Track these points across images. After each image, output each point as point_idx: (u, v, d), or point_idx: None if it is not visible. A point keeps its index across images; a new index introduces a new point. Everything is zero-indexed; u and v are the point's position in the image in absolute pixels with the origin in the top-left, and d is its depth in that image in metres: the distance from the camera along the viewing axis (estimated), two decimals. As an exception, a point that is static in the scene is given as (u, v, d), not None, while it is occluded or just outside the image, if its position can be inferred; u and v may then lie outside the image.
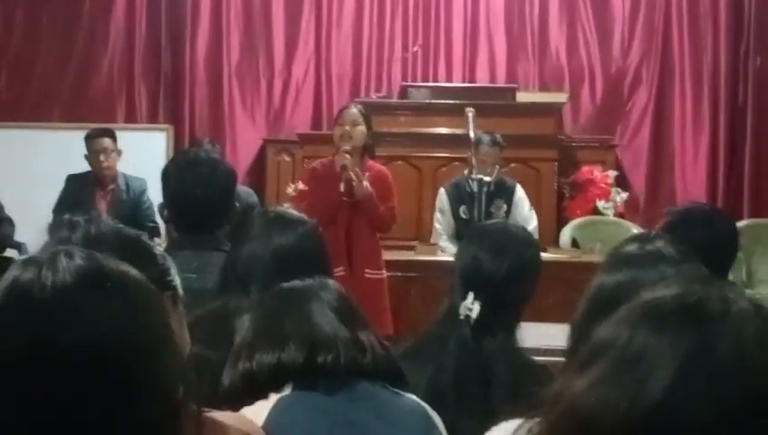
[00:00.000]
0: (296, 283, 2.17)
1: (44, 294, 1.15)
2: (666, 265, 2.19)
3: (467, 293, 2.63)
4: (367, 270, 5.38)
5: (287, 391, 2.01)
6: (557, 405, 1.15)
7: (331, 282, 2.19)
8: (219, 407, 1.87)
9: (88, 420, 1.11)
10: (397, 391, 2.08)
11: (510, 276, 2.68)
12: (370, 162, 5.52)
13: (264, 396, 1.99)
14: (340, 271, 5.12)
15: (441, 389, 2.49)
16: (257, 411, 1.99)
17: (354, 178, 5.26)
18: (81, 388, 1.11)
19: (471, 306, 2.60)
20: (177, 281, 1.89)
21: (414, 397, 2.11)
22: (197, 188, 3.23)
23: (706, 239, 3.20)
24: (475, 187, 6.45)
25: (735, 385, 1.05)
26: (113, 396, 1.12)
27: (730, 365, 1.06)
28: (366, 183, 5.30)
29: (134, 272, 1.24)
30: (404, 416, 2.04)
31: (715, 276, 3.14)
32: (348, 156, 5.30)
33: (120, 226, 1.94)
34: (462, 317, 2.61)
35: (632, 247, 2.33)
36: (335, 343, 2.01)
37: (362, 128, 5.40)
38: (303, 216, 2.78)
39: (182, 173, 3.31)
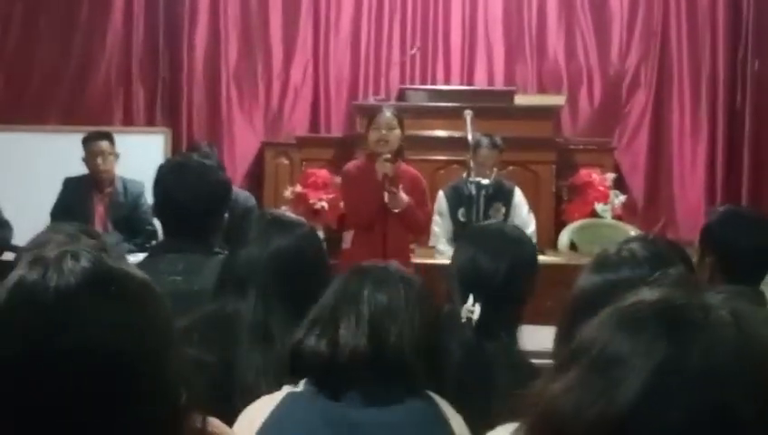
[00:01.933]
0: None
1: (48, 295, 1.15)
2: (641, 268, 2.18)
3: (467, 295, 2.62)
4: None
5: (300, 386, 2.05)
6: (535, 408, 1.15)
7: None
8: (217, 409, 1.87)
9: (90, 421, 1.11)
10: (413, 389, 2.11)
11: (509, 277, 2.68)
12: (403, 166, 5.54)
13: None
14: None
15: (443, 391, 2.48)
16: (263, 406, 2.00)
17: (393, 190, 5.27)
18: (82, 389, 1.10)
19: (472, 308, 2.59)
20: None
21: (432, 396, 2.13)
22: (180, 193, 3.23)
23: (746, 244, 3.20)
24: (473, 190, 6.44)
25: (705, 395, 1.05)
26: (115, 398, 1.11)
27: (701, 374, 1.06)
28: (403, 194, 5.31)
29: (140, 274, 1.23)
30: (409, 422, 2.05)
31: (746, 281, 3.16)
32: (388, 163, 5.29)
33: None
34: (464, 320, 2.60)
35: (611, 250, 2.33)
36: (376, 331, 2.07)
37: (397, 132, 5.43)
38: (301, 218, 2.78)
39: (167, 177, 3.32)
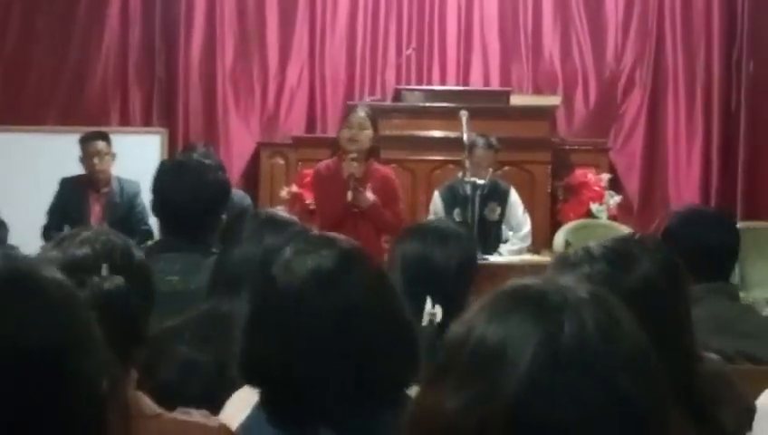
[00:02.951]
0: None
1: None
2: (599, 264, 2.18)
3: (422, 296, 2.57)
4: None
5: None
6: (417, 419, 1.14)
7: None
8: (209, 407, 1.89)
9: (9, 418, 1.12)
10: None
11: (459, 272, 2.69)
12: (375, 165, 5.56)
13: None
14: None
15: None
16: (243, 400, 1.96)
17: (359, 188, 5.29)
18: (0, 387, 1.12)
19: (434, 311, 2.55)
20: None
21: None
22: (179, 192, 3.24)
23: (715, 241, 3.21)
24: (468, 190, 6.46)
25: (582, 377, 1.05)
26: (33, 394, 1.12)
27: (573, 357, 1.06)
28: (369, 194, 5.33)
29: (52, 271, 1.24)
30: None
31: (718, 278, 3.17)
32: (355, 163, 5.32)
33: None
34: (425, 323, 2.54)
35: (570, 251, 2.32)
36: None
37: (369, 132, 5.44)
38: (294, 217, 2.79)
39: (166, 176, 3.34)
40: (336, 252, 1.85)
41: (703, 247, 3.14)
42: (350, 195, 5.31)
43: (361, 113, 5.51)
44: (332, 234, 2.02)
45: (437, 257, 2.71)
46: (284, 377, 1.75)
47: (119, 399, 1.27)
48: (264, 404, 1.81)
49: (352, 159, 5.34)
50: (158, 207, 3.38)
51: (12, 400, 1.12)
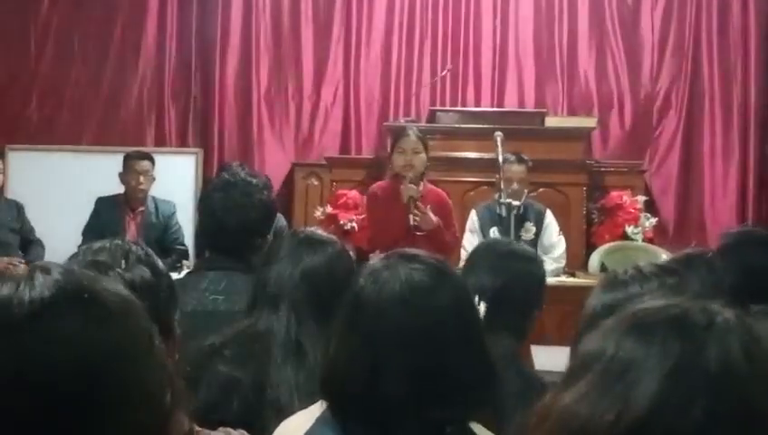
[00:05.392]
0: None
1: (22, 309, 1.16)
2: (650, 283, 2.16)
3: None
4: None
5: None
6: (547, 419, 1.15)
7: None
8: (249, 426, 1.87)
9: (73, 429, 1.12)
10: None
11: (506, 285, 2.74)
12: (428, 186, 5.53)
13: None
14: None
15: None
16: (299, 424, 1.95)
17: (422, 210, 5.26)
18: (64, 397, 1.12)
19: (477, 307, 2.59)
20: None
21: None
22: (225, 211, 3.24)
23: (765, 262, 3.18)
24: (504, 211, 6.43)
25: (722, 396, 1.06)
26: (96, 404, 1.13)
27: (716, 376, 1.07)
28: (431, 215, 5.29)
29: (113, 285, 1.25)
30: None
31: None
32: (414, 187, 5.29)
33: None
34: None
35: (619, 270, 2.31)
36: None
37: (423, 155, 5.42)
38: (333, 236, 2.78)
39: (213, 195, 3.33)
40: (427, 265, 1.83)
41: (752, 269, 3.11)
42: (411, 218, 5.27)
43: (413, 137, 5.46)
44: (416, 250, 1.99)
45: (484, 277, 2.76)
46: (365, 390, 1.73)
47: (181, 414, 1.27)
48: (339, 417, 1.80)
49: (411, 183, 5.32)
50: (204, 225, 3.38)
51: (75, 411, 1.12)
